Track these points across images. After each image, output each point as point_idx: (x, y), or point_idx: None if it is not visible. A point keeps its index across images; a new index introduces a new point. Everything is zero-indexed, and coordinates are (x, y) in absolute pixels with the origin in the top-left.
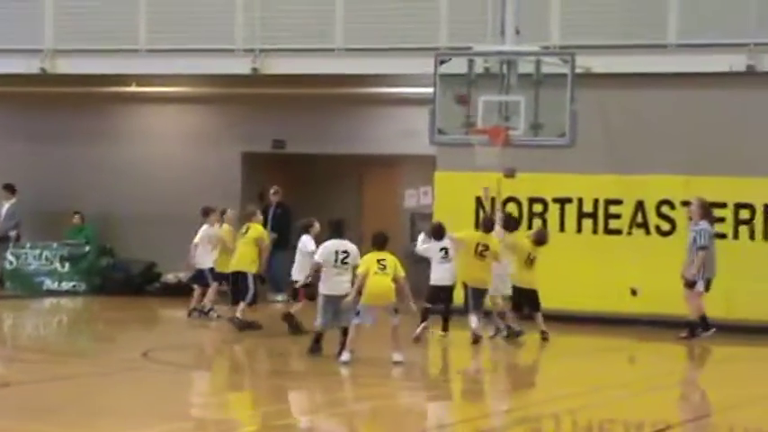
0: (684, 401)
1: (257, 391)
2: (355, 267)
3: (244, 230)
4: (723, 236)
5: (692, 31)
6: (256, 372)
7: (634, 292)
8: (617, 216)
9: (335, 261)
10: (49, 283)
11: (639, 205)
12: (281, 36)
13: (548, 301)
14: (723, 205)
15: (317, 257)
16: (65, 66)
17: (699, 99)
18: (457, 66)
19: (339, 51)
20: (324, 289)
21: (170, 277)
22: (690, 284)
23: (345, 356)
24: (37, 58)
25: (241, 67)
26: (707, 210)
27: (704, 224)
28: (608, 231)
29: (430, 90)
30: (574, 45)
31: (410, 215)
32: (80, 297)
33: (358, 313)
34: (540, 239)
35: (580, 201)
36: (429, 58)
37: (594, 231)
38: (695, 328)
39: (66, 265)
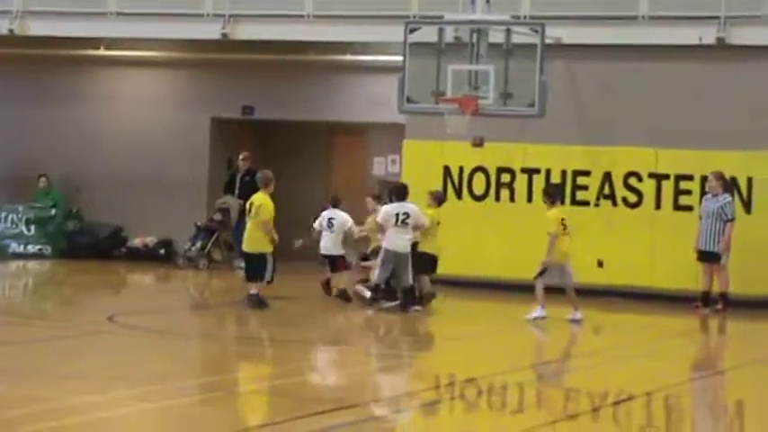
0: (648, 372)
1: (222, 357)
2: (416, 227)
3: (252, 212)
4: (690, 208)
5: (662, 2)
6: (221, 337)
7: (600, 264)
8: (584, 187)
9: (396, 222)
10: (15, 246)
11: (607, 177)
12: (251, 1)
13: (514, 272)
14: (690, 178)
15: (379, 219)
16: (34, 27)
17: (669, 71)
18: (427, 34)
19: (309, 18)
20: (388, 245)
21: (137, 242)
22: (709, 258)
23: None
24: (6, 19)
25: (211, 32)
26: (726, 182)
27: (728, 196)
28: (575, 202)
29: (400, 58)
30: (544, 15)
31: (378, 183)
32: (46, 260)
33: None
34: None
35: (548, 171)
36: (399, 26)
37: (562, 202)
38: (726, 300)
39: (33, 228)
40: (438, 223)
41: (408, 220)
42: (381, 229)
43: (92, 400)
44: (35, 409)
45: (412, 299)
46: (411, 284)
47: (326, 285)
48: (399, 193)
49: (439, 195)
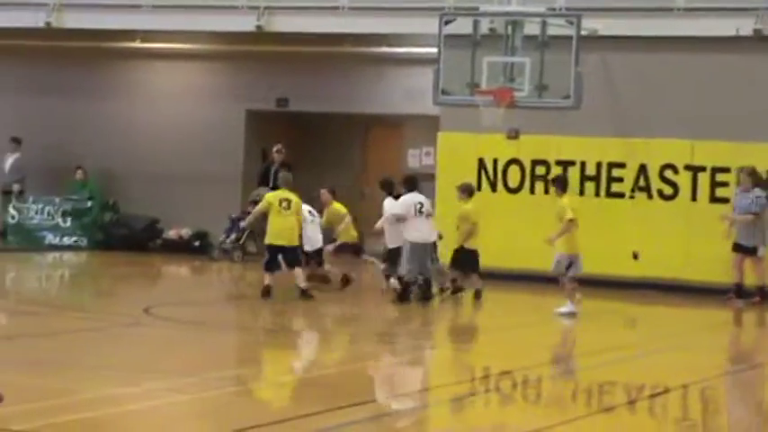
0: (684, 365)
1: (256, 348)
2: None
3: (285, 204)
4: (726, 200)
5: None
6: (255, 329)
7: (635, 256)
8: (620, 179)
9: (415, 212)
10: (51, 238)
11: (642, 169)
12: None
13: (549, 264)
14: (727, 170)
15: (399, 210)
16: (70, 20)
17: (705, 63)
18: (462, 26)
19: (344, 9)
20: (412, 237)
21: (172, 234)
22: (746, 251)
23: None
24: (43, 11)
25: (245, 24)
26: (757, 177)
27: (758, 191)
28: (610, 195)
29: (435, 50)
30: (580, 7)
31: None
32: (82, 252)
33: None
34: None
35: (583, 164)
36: (435, 18)
37: (597, 194)
38: (763, 293)
39: (69, 220)
40: (473, 220)
41: (424, 209)
42: (401, 220)
43: (126, 391)
44: (69, 400)
45: (428, 290)
46: (429, 276)
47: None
48: (411, 183)
49: (467, 187)
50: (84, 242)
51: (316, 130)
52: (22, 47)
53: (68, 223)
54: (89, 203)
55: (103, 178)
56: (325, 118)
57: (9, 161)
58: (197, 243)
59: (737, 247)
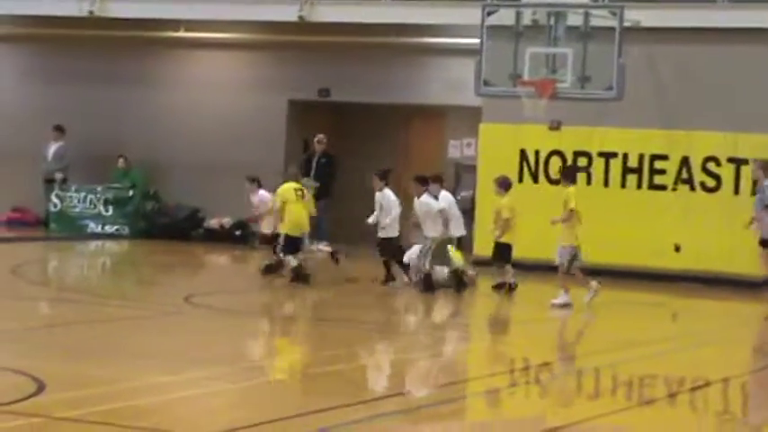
0: (725, 358)
1: (295, 337)
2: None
3: (300, 193)
4: None
5: None
6: (295, 319)
7: (677, 249)
8: (662, 171)
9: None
10: (93, 226)
11: (685, 161)
12: None
13: (591, 257)
14: None
15: (443, 206)
16: (113, 9)
17: (749, 55)
18: (505, 17)
19: (387, 0)
20: (435, 233)
21: (213, 223)
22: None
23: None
24: (86, 0)
25: (288, 14)
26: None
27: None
28: (653, 187)
29: (477, 41)
30: None
31: (454, 166)
32: (124, 241)
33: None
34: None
35: (625, 156)
36: (477, 9)
37: (639, 186)
38: None
39: (111, 208)
40: (507, 215)
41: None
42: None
43: (167, 380)
44: (111, 389)
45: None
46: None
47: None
48: (430, 181)
49: (504, 181)
50: (125, 231)
51: (357, 121)
52: (66, 36)
53: (110, 212)
54: (131, 192)
55: (145, 167)
56: (367, 108)
57: (52, 149)
58: (238, 232)
59: (764, 243)
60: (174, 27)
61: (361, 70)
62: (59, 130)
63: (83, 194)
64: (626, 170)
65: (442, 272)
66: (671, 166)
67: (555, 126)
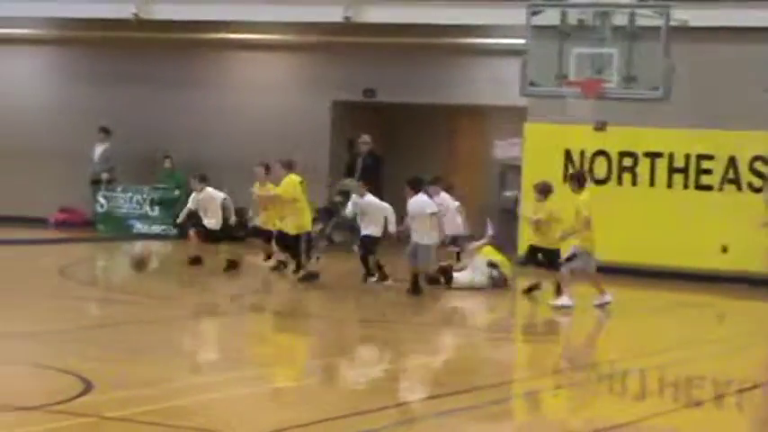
0: None
1: (342, 338)
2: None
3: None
4: None
5: None
6: (339, 319)
7: (725, 250)
8: (708, 171)
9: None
10: (140, 227)
11: (732, 161)
12: None
13: (636, 257)
14: None
15: (436, 209)
16: (158, 11)
17: None
18: (550, 17)
19: (432, 1)
20: (428, 239)
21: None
22: None
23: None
24: (131, 3)
25: (333, 15)
26: None
27: None
28: (699, 187)
29: (523, 41)
30: None
31: (500, 166)
32: (169, 241)
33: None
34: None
35: (671, 155)
36: (522, 9)
37: (685, 186)
38: None
39: (157, 208)
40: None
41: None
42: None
43: (214, 380)
44: (159, 389)
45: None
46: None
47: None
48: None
49: (543, 187)
50: (172, 231)
51: (402, 121)
52: (112, 38)
53: (156, 212)
54: (177, 192)
55: (191, 168)
56: (412, 109)
57: (98, 151)
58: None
59: None
60: (219, 29)
61: (406, 71)
62: (105, 131)
63: (129, 195)
64: (672, 170)
65: (471, 275)
66: (717, 166)
67: (600, 126)
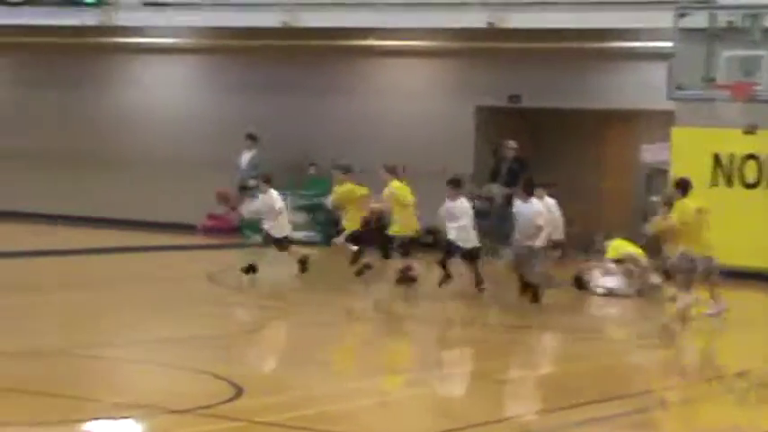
0: None
1: (487, 345)
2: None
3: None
4: None
5: None
6: (486, 326)
7: None
8: None
9: None
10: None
11: None
12: None
13: None
14: None
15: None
16: (307, 19)
17: None
18: (698, 20)
19: (577, 5)
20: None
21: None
22: None
23: None
24: (280, 11)
25: (477, 21)
26: None
27: None
28: None
29: (670, 44)
30: None
31: (647, 170)
32: (316, 247)
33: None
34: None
35: None
36: (669, 12)
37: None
38: None
39: (303, 215)
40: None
41: None
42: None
43: (361, 385)
44: (307, 394)
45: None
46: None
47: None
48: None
49: (683, 182)
50: (318, 237)
51: (549, 126)
52: (260, 46)
53: (303, 219)
54: (323, 199)
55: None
56: (558, 113)
57: (246, 158)
58: (430, 239)
59: None
60: (363, 36)
61: (551, 75)
62: (252, 138)
63: None
64: None
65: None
66: None
67: (750, 129)
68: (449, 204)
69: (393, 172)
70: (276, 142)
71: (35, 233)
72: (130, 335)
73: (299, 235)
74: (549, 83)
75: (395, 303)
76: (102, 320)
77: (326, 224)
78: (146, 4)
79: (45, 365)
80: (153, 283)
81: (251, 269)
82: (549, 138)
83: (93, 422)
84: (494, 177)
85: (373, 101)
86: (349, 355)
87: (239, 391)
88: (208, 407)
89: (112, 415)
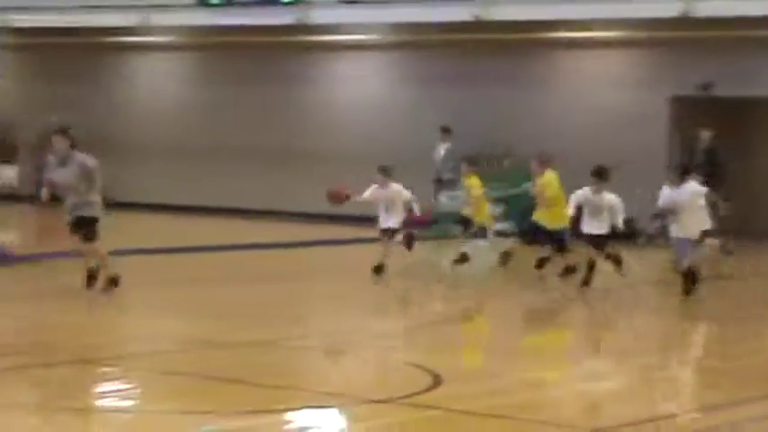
0: None
1: (675, 333)
2: None
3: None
4: None
5: None
6: (680, 314)
7: None
8: None
9: None
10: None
11: None
12: None
13: None
14: None
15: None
16: (498, 13)
17: None
18: None
19: None
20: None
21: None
22: None
23: None
24: (472, 6)
25: (669, 10)
26: None
27: None
28: None
29: None
30: None
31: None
32: (510, 239)
33: None
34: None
35: None
36: None
37: None
38: None
39: (499, 207)
40: None
41: None
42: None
43: (559, 374)
44: (504, 383)
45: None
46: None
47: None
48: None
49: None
50: (513, 229)
51: (743, 116)
52: (452, 40)
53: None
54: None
55: (529, 166)
56: (754, 102)
57: (441, 151)
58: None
59: None
60: (555, 28)
61: (745, 64)
62: (447, 131)
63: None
64: None
65: None
66: None
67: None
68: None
69: (546, 163)
70: (471, 135)
71: (242, 227)
72: (329, 326)
73: (498, 227)
74: (743, 71)
75: (591, 293)
76: (302, 312)
77: (523, 215)
78: (340, 2)
79: (250, 355)
80: (353, 275)
81: (462, 259)
82: (744, 127)
83: (299, 411)
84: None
85: (565, 92)
86: (546, 344)
87: (438, 380)
88: (407, 396)
89: (316, 404)
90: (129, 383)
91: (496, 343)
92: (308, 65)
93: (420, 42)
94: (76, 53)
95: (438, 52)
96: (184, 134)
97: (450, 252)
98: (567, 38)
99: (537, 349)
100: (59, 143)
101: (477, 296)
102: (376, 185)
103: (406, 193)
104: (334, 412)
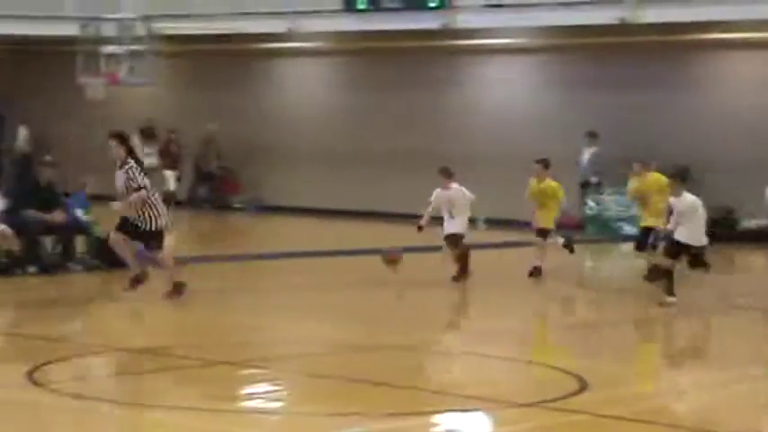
0: None
1: None
2: None
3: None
4: None
5: None
6: None
7: None
8: None
9: None
10: (628, 229)
11: None
12: None
13: None
14: None
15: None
16: (646, 15)
17: None
18: None
19: None
20: None
21: (750, 224)
22: None
23: None
24: (618, 9)
25: None
26: None
27: None
28: None
29: None
30: None
31: None
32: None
33: None
34: None
35: None
36: None
37: None
38: None
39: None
40: None
41: None
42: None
43: (702, 381)
44: (650, 388)
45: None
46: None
47: None
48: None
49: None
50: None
51: None
52: (599, 43)
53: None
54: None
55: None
56: None
57: (586, 155)
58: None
59: None
60: (708, 29)
61: None
62: (593, 135)
63: (616, 197)
64: None
65: None
66: None
67: None
68: None
69: (649, 166)
70: (617, 139)
71: (388, 231)
72: (474, 330)
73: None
74: None
75: (745, 299)
76: (448, 316)
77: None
78: (486, 6)
79: (396, 358)
80: (498, 277)
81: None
82: None
83: (444, 414)
84: None
85: (714, 95)
86: (690, 348)
87: (584, 385)
88: (553, 400)
89: (462, 407)
90: (277, 385)
91: (641, 347)
92: (454, 69)
93: (565, 46)
94: (227, 60)
95: (582, 55)
96: (332, 139)
97: (599, 256)
98: (718, 39)
99: (684, 355)
100: (115, 148)
101: (624, 302)
102: (439, 189)
103: (468, 194)
104: (479, 415)
